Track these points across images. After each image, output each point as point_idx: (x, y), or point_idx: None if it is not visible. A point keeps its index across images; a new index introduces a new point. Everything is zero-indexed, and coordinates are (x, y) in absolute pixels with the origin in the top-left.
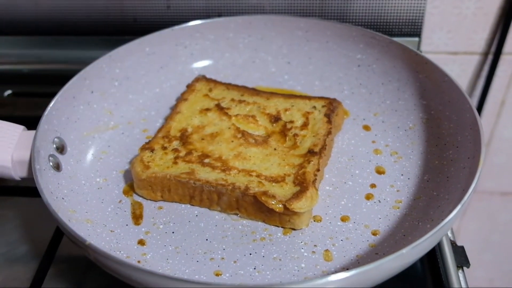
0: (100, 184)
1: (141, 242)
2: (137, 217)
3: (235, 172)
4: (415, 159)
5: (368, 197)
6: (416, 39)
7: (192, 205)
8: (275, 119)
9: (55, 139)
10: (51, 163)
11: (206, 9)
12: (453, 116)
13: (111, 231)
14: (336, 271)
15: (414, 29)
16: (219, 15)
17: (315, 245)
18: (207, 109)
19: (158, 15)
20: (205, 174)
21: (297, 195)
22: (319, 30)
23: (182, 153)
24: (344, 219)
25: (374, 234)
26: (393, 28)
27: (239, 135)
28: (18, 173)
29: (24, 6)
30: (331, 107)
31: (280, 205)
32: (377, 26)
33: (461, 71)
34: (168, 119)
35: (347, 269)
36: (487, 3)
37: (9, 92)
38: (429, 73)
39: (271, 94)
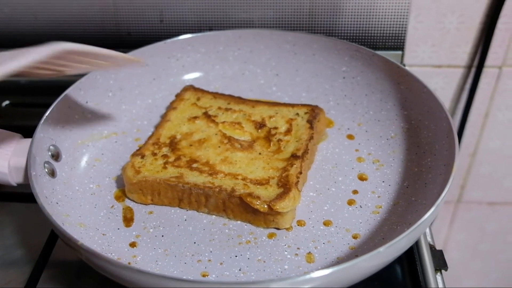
0: (93, 190)
1: (132, 245)
2: (128, 220)
3: (222, 175)
4: (396, 166)
5: (350, 202)
6: (400, 52)
7: (180, 207)
8: (260, 125)
9: (51, 147)
10: (46, 170)
11: (198, 23)
12: (431, 125)
13: (103, 234)
14: None
15: (397, 43)
16: (210, 29)
17: (298, 248)
18: (195, 117)
19: (151, 29)
20: (193, 177)
21: (280, 196)
22: (306, 44)
23: (171, 159)
24: (326, 223)
25: (354, 237)
26: (378, 42)
27: (226, 141)
28: (14, 179)
29: (23, 19)
30: (313, 113)
31: (265, 206)
32: (363, 40)
33: (445, 84)
34: (158, 127)
35: None
36: (469, 18)
37: (7, 102)
38: (410, 85)
39: (256, 102)
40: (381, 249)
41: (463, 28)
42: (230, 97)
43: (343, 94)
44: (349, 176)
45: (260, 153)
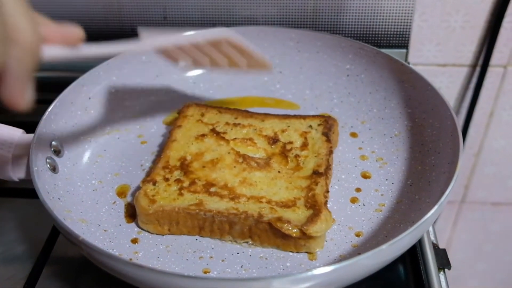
0: (95, 186)
1: (133, 241)
2: (130, 216)
3: (244, 199)
4: (399, 164)
5: (353, 200)
6: (404, 50)
7: (201, 236)
8: (273, 140)
9: (53, 142)
10: (48, 165)
11: (201, 20)
12: (436, 123)
13: (105, 230)
14: None
15: (402, 41)
16: (213, 26)
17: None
18: (203, 135)
19: (155, 25)
20: (214, 204)
21: (311, 219)
22: (310, 41)
23: (186, 183)
24: None
25: (357, 235)
26: (382, 40)
27: (240, 160)
28: (16, 174)
29: None
30: (327, 125)
31: (296, 230)
32: (367, 38)
33: (450, 83)
34: (164, 148)
35: None
36: (475, 17)
37: None
38: (414, 83)
39: (265, 115)
40: (383, 246)
41: (468, 27)
42: (237, 111)
43: (347, 92)
44: (352, 174)
45: (279, 171)
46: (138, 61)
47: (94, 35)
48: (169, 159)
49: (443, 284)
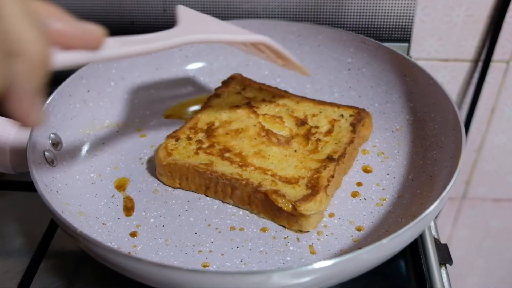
0: (94, 179)
1: (132, 235)
2: (128, 209)
3: (252, 169)
4: (401, 159)
5: (354, 194)
6: (406, 44)
7: (207, 195)
8: (302, 122)
9: (51, 135)
10: (46, 158)
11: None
12: (438, 117)
13: (103, 223)
14: None
15: (403, 35)
16: None
17: (300, 240)
18: (237, 106)
19: (154, 18)
20: (223, 167)
21: (306, 197)
22: (311, 34)
23: (205, 145)
24: (329, 215)
25: (358, 229)
26: (384, 34)
27: (263, 134)
28: (14, 167)
29: None
30: (359, 117)
31: (289, 205)
32: (368, 31)
33: (451, 78)
34: (198, 111)
35: None
36: (477, 11)
37: None
38: (416, 77)
39: (302, 98)
40: (384, 240)
41: (470, 22)
42: (276, 89)
43: (348, 86)
44: (353, 168)
45: (295, 151)
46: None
47: None
48: (198, 121)
49: (445, 280)
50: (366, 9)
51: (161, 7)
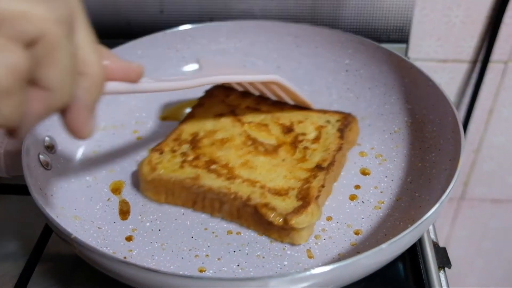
0: (89, 183)
1: (128, 239)
2: (124, 213)
3: (239, 181)
4: (399, 161)
5: (352, 197)
6: (404, 45)
7: (195, 210)
8: (288, 129)
9: (46, 138)
10: (40, 161)
11: (198, 14)
12: (436, 119)
13: (99, 228)
14: None
15: (402, 36)
16: (211, 20)
17: (298, 244)
18: (221, 114)
19: (151, 19)
20: (210, 180)
21: (297, 210)
22: (308, 36)
23: (190, 157)
24: (327, 218)
25: (356, 233)
26: (381, 35)
27: (249, 143)
28: (8, 170)
29: None
30: (345, 122)
31: (280, 219)
32: (366, 33)
33: (450, 79)
34: (181, 122)
35: None
36: (475, 12)
37: None
38: (414, 78)
39: (286, 105)
40: (383, 245)
41: (469, 22)
42: (260, 97)
43: (346, 88)
44: (351, 171)
45: (283, 160)
46: (134, 55)
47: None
48: (182, 132)
49: (443, 283)
50: (364, 10)
51: (158, 8)
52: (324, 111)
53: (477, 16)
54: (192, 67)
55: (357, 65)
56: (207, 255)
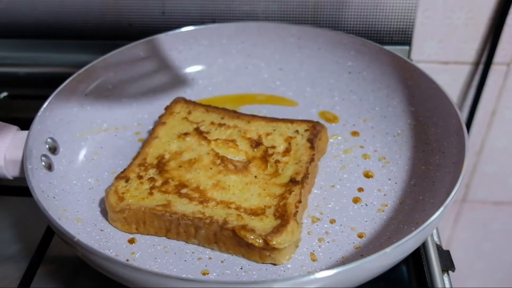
0: (91, 185)
1: (130, 241)
2: None
3: (213, 204)
4: (403, 164)
5: (356, 200)
6: (407, 47)
7: (168, 238)
8: (256, 143)
9: (48, 140)
10: (43, 163)
11: (201, 15)
12: (440, 122)
13: (101, 230)
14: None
15: (404, 38)
16: (213, 21)
17: (301, 247)
18: (186, 133)
19: (153, 20)
20: (182, 206)
21: (277, 229)
22: (311, 37)
23: (159, 183)
24: (331, 221)
25: (360, 236)
26: (384, 37)
27: (218, 161)
28: (10, 172)
29: (23, 9)
30: (314, 131)
31: (260, 240)
32: (369, 34)
33: (452, 81)
34: (145, 144)
35: None
36: (478, 14)
37: (5, 94)
38: (417, 80)
39: (253, 117)
40: (387, 249)
41: (471, 24)
42: (224, 111)
43: (349, 89)
44: (354, 174)
45: (255, 176)
46: (136, 57)
47: (92, 29)
48: (147, 156)
49: (447, 286)
50: (367, 12)
51: (160, 10)
52: (291, 121)
53: (480, 18)
54: (195, 68)
55: (360, 67)
56: (210, 258)
